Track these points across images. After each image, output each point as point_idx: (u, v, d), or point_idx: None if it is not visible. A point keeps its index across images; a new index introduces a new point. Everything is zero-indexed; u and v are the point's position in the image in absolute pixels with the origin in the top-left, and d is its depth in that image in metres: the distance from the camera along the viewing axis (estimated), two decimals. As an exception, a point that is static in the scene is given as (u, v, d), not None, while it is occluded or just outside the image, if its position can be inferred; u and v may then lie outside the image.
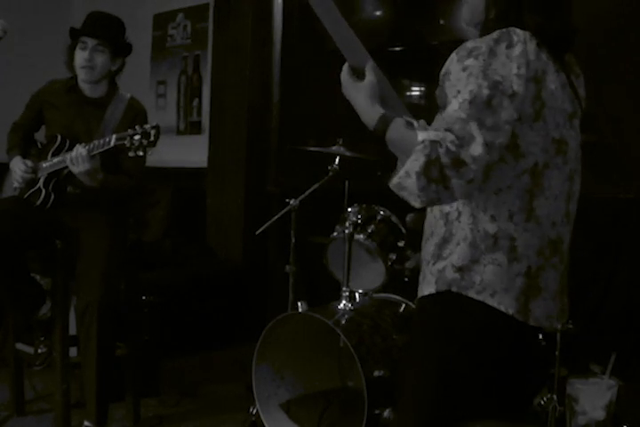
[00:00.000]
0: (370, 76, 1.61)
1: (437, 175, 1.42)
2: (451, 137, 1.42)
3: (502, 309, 1.54)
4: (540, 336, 2.80)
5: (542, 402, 2.65)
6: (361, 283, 3.05)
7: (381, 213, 3.02)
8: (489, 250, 1.54)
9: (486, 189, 1.53)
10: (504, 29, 1.51)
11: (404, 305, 2.93)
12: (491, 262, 1.54)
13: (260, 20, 4.69)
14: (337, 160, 3.15)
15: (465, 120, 1.43)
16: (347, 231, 2.86)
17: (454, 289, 1.56)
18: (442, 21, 3.85)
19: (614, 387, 1.50)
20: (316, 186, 3.16)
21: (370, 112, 1.59)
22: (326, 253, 3.11)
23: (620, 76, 3.31)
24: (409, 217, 2.97)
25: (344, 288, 2.85)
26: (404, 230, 2.99)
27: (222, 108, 4.80)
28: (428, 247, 1.65)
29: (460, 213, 1.58)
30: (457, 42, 1.64)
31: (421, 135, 1.45)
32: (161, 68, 5.45)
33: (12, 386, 3.19)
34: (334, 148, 3.10)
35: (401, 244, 2.97)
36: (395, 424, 1.70)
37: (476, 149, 1.42)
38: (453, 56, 1.54)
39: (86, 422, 2.84)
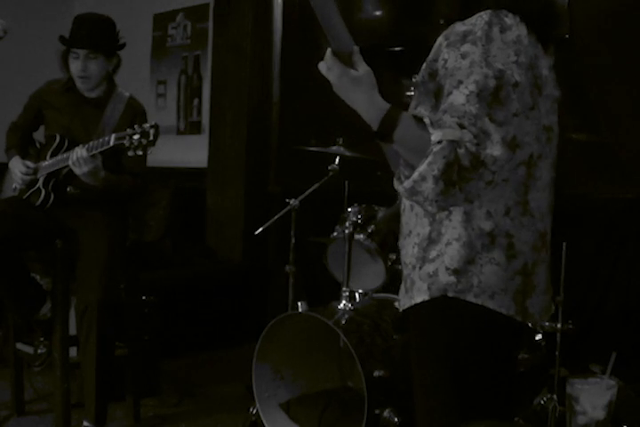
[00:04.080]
0: (364, 65, 1.40)
1: (456, 178, 1.30)
2: (469, 136, 1.30)
3: (503, 311, 1.45)
4: (540, 336, 2.82)
5: (542, 402, 2.66)
6: (361, 283, 3.05)
7: (381, 213, 3.02)
8: (485, 249, 1.43)
9: (482, 184, 1.39)
10: (491, 11, 1.39)
11: (404, 305, 2.92)
12: (488, 262, 1.43)
13: (260, 20, 4.69)
14: (337, 160, 3.15)
15: (476, 115, 1.31)
16: (347, 231, 2.86)
17: (451, 294, 1.45)
18: (442, 21, 3.85)
19: (614, 387, 1.49)
20: (316, 186, 3.16)
21: (374, 107, 1.39)
22: (326, 253, 3.11)
23: (620, 77, 3.32)
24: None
25: (344, 288, 2.85)
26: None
27: (222, 108, 4.80)
28: (408, 249, 1.55)
29: (450, 212, 1.45)
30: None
31: (437, 134, 1.31)
32: (161, 67, 5.45)
33: (12, 386, 3.19)
34: (334, 148, 3.10)
35: (401, 244, 2.97)
36: None
37: (496, 148, 1.31)
38: (442, 41, 1.42)
39: (85, 422, 2.84)
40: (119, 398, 3.10)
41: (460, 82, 1.34)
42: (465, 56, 1.35)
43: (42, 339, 3.04)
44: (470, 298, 1.44)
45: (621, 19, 3.32)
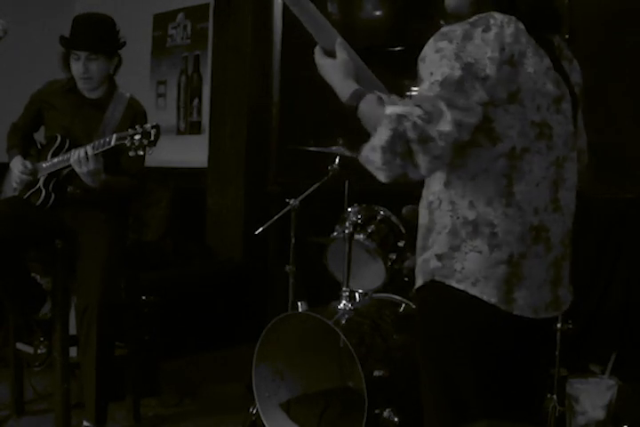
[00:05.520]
0: (341, 55, 1.68)
1: (403, 150, 1.40)
2: (419, 111, 1.40)
3: (484, 298, 1.50)
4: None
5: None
6: (361, 283, 3.05)
7: (381, 213, 3.02)
8: (469, 237, 1.51)
9: (463, 175, 1.51)
10: (483, 14, 1.49)
11: (403, 305, 2.93)
12: (472, 250, 1.51)
13: (260, 20, 4.69)
14: (337, 160, 3.15)
15: (434, 98, 1.41)
16: (347, 231, 2.86)
17: (437, 278, 1.54)
18: (442, 21, 3.86)
19: (614, 387, 1.50)
20: (315, 186, 3.16)
21: (344, 87, 1.63)
22: (326, 253, 3.11)
23: (620, 76, 3.32)
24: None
25: (344, 288, 2.85)
26: (403, 230, 2.99)
27: (222, 108, 4.80)
28: (417, 240, 1.65)
29: (440, 201, 1.56)
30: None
31: (389, 109, 1.44)
32: (161, 67, 5.45)
33: (12, 386, 3.19)
34: (334, 148, 3.10)
35: (401, 244, 2.97)
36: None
37: (445, 125, 1.39)
38: (430, 41, 1.53)
39: (85, 422, 2.84)
40: (119, 398, 3.09)
41: (431, 73, 1.46)
42: (439, 51, 1.47)
43: (42, 339, 3.04)
44: (453, 283, 1.52)
45: (622, 18, 3.32)
